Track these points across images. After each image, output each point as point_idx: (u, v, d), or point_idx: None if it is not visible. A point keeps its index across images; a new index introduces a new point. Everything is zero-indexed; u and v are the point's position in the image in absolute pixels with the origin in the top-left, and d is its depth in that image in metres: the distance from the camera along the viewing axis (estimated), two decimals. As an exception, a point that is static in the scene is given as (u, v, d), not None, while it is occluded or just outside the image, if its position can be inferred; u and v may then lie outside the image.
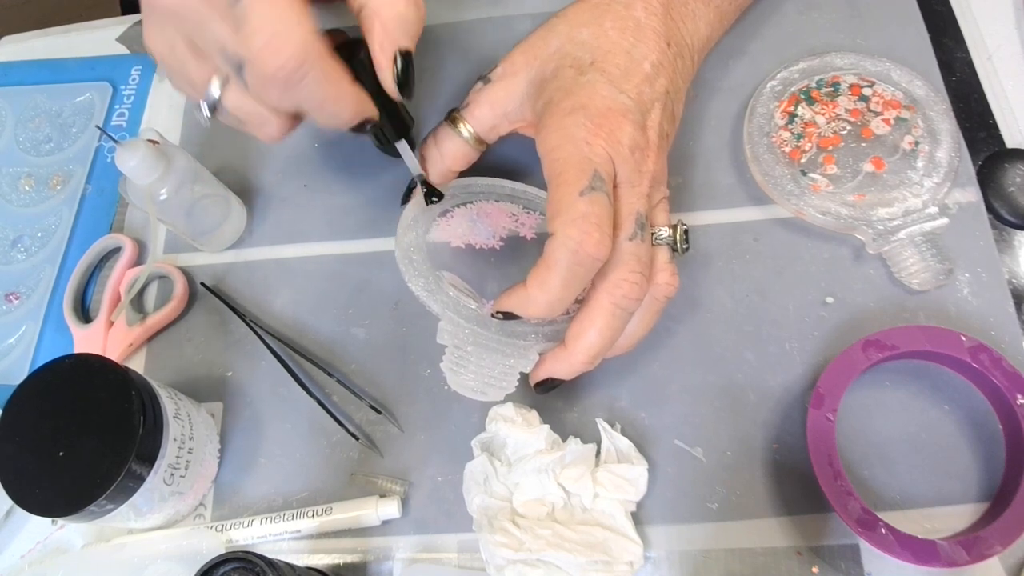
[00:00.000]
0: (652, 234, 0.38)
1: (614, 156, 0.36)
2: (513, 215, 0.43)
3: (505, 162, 0.48)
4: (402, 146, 0.41)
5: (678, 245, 0.39)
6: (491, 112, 0.41)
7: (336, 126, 0.36)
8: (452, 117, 0.42)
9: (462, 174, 0.44)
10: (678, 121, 0.43)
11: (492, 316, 0.37)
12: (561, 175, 0.35)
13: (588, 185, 0.34)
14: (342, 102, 0.35)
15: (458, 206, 0.43)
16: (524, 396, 0.44)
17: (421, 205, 0.42)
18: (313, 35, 0.32)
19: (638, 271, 0.36)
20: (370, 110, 0.37)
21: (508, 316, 0.37)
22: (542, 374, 0.39)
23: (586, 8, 0.41)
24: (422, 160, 0.43)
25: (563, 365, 0.38)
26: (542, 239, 0.43)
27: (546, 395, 0.41)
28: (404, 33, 0.35)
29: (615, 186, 0.36)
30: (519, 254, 0.44)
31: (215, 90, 0.36)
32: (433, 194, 0.42)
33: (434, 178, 0.43)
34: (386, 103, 0.38)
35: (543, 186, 0.45)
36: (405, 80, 0.36)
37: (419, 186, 0.42)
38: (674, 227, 0.39)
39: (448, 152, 0.42)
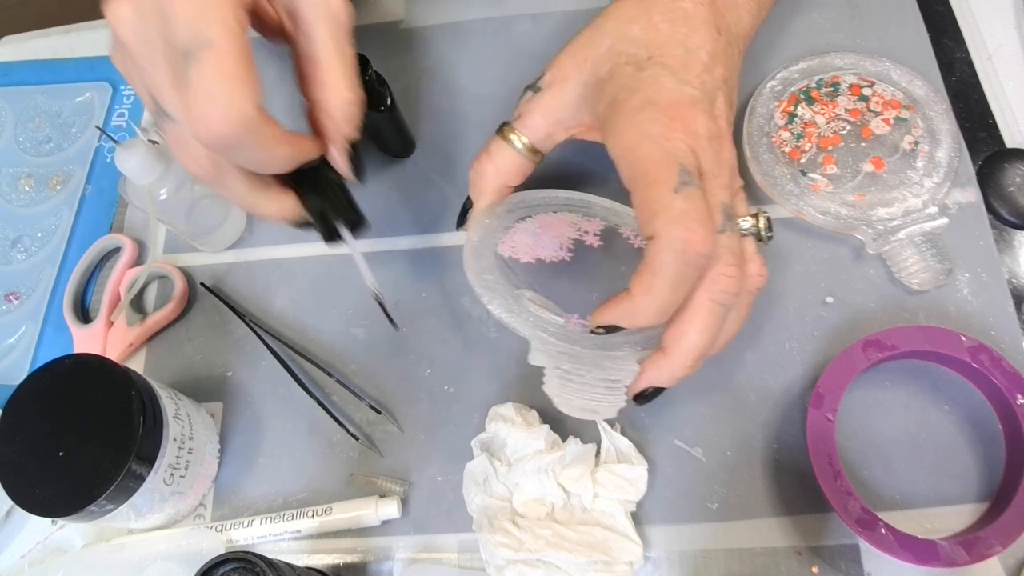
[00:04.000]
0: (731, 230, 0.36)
1: (695, 148, 0.35)
2: (574, 224, 0.41)
3: (555, 172, 0.48)
4: (351, 241, 0.38)
5: (762, 234, 0.38)
6: (544, 121, 0.40)
7: (271, 171, 0.35)
8: (503, 130, 0.41)
9: (517, 188, 0.43)
10: (735, 109, 0.41)
11: (592, 332, 0.35)
12: (647, 174, 0.33)
13: (680, 181, 0.33)
14: (277, 154, 0.34)
15: (518, 221, 0.42)
16: (522, 395, 0.44)
17: (483, 225, 0.41)
18: (255, 111, 0.30)
19: (733, 264, 0.35)
20: (308, 151, 0.35)
21: (611, 329, 0.35)
22: (643, 384, 0.37)
23: (632, 4, 0.40)
24: (478, 177, 0.41)
25: (664, 372, 0.36)
26: (608, 245, 0.41)
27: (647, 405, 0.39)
28: (351, 124, 0.36)
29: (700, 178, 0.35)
30: (588, 263, 0.42)
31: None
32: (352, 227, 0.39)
33: (491, 194, 0.42)
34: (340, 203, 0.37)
35: (596, 191, 0.44)
36: (357, 166, 0.37)
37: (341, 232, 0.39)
38: (755, 216, 0.38)
39: (503, 166, 0.41)
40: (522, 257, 0.40)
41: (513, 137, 0.41)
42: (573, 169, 0.49)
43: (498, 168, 0.41)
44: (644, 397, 0.37)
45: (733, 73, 0.41)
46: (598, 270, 0.43)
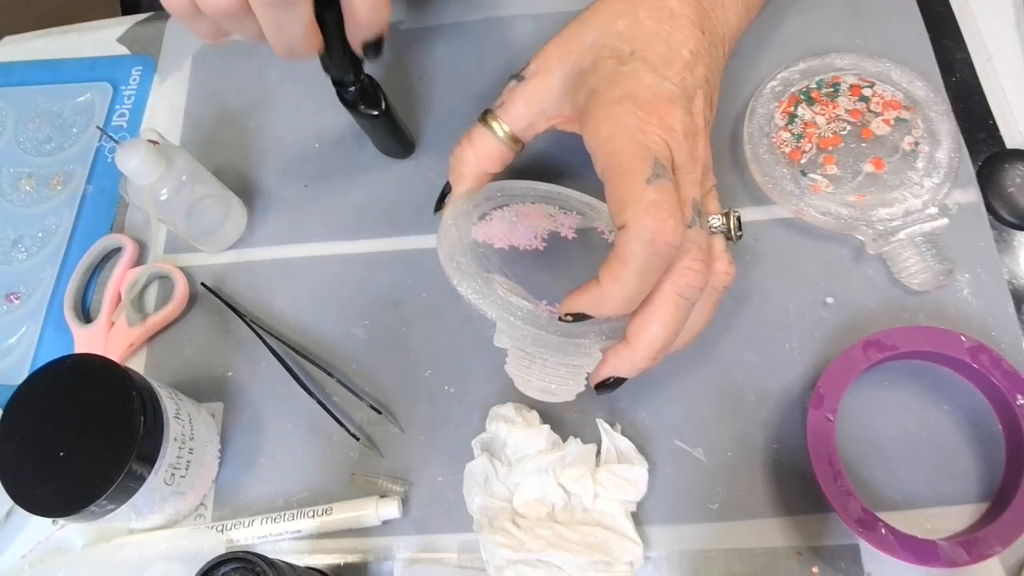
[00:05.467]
0: (697, 228, 0.37)
1: (669, 142, 0.35)
2: (551, 215, 0.42)
3: (535, 164, 0.48)
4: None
5: (732, 233, 0.38)
6: (527, 109, 0.41)
7: (286, 54, 0.38)
8: (486, 117, 0.41)
9: (498, 177, 0.43)
10: (715, 109, 0.42)
11: (560, 320, 0.36)
12: (620, 165, 0.34)
13: (652, 172, 0.33)
14: (307, 39, 0.38)
15: (495, 209, 0.42)
16: (522, 396, 0.44)
17: (459, 210, 0.41)
18: None
19: (700, 259, 0.35)
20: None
21: (579, 317, 0.35)
22: (604, 373, 0.37)
23: (619, 0, 0.40)
24: (457, 162, 0.42)
25: (626, 363, 0.37)
26: (583, 238, 0.42)
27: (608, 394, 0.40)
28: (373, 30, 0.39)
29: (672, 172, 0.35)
30: (562, 254, 0.43)
31: None
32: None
33: (469, 180, 0.42)
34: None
35: (574, 187, 0.44)
36: (375, 51, 0.40)
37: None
38: (726, 214, 0.38)
39: (484, 152, 0.41)
40: (496, 243, 0.40)
41: (495, 124, 0.41)
42: (552, 163, 0.49)
43: (478, 154, 0.41)
44: (605, 386, 0.38)
45: (715, 73, 0.41)
46: (572, 262, 0.44)
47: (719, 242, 0.38)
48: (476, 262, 0.39)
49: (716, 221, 0.38)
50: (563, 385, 0.38)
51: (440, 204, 0.43)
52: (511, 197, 0.43)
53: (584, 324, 0.37)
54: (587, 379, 0.39)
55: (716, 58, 0.41)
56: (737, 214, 0.38)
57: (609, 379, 0.38)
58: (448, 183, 0.43)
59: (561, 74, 0.40)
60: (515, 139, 0.41)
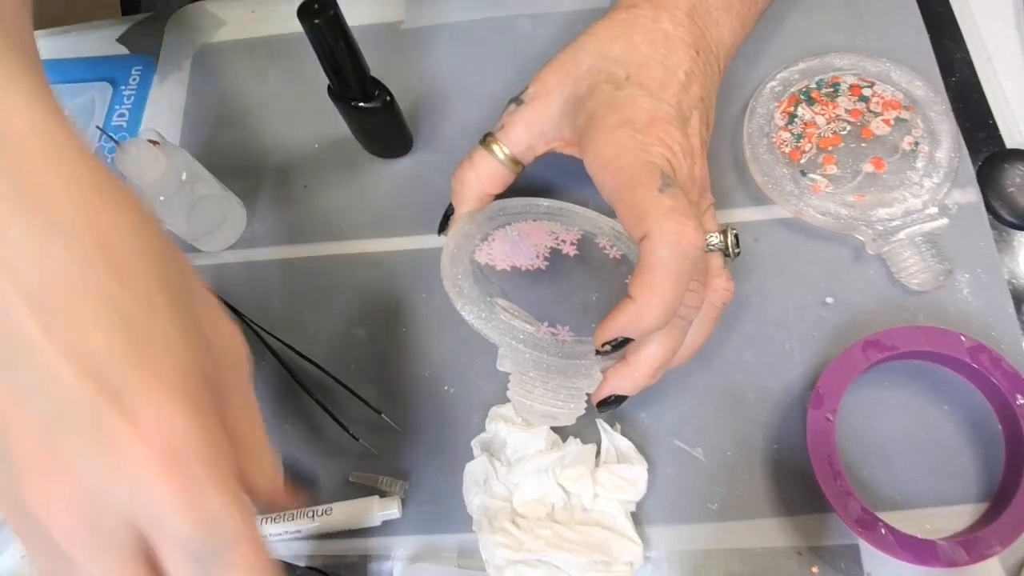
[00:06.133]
0: (705, 241, 0.38)
1: (671, 159, 0.36)
2: (552, 232, 0.43)
3: (535, 182, 0.48)
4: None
5: (730, 250, 0.39)
6: (527, 133, 0.41)
7: None
8: (486, 140, 0.42)
9: (500, 196, 0.44)
10: (711, 128, 0.42)
11: (598, 352, 0.36)
12: (631, 180, 0.34)
13: (663, 182, 0.34)
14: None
15: (497, 228, 0.43)
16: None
17: (462, 232, 0.42)
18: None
19: (696, 279, 0.36)
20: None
21: (617, 346, 0.35)
22: (605, 391, 0.38)
23: (613, 24, 0.41)
24: (459, 184, 0.42)
25: (626, 381, 0.37)
26: (583, 255, 0.42)
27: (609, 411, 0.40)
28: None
29: None
30: (563, 272, 0.43)
31: None
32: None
33: (472, 202, 0.43)
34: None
35: (576, 202, 0.45)
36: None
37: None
38: (724, 232, 0.39)
39: (485, 175, 0.42)
40: (498, 264, 0.41)
41: (495, 147, 0.41)
42: (553, 184, 0.49)
43: (480, 177, 0.42)
44: (606, 404, 0.39)
45: (710, 92, 0.42)
46: (572, 280, 0.44)
47: (717, 259, 0.39)
48: (479, 286, 0.39)
49: (714, 239, 0.38)
50: (564, 408, 0.39)
51: (443, 225, 0.43)
52: (514, 215, 0.43)
53: (585, 345, 0.38)
54: (587, 400, 0.39)
55: (711, 77, 0.42)
56: (735, 231, 0.39)
57: (610, 397, 0.38)
58: (451, 205, 0.43)
59: (559, 98, 0.40)
60: (515, 161, 0.42)
